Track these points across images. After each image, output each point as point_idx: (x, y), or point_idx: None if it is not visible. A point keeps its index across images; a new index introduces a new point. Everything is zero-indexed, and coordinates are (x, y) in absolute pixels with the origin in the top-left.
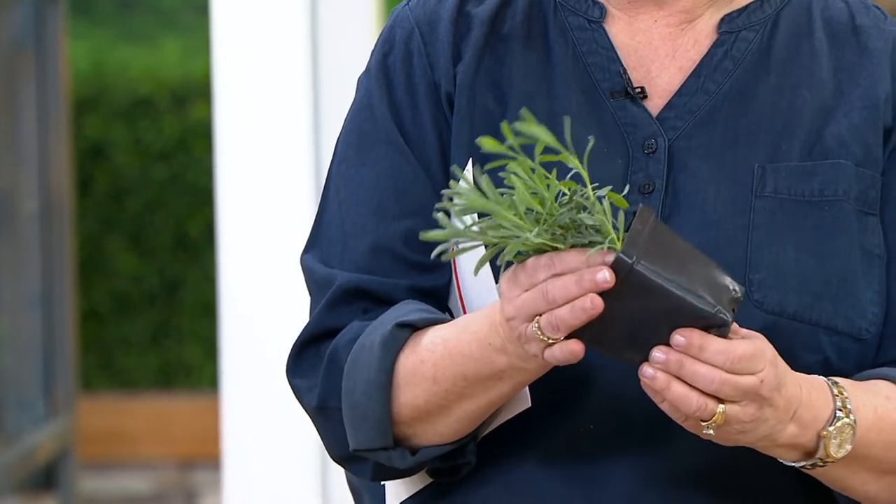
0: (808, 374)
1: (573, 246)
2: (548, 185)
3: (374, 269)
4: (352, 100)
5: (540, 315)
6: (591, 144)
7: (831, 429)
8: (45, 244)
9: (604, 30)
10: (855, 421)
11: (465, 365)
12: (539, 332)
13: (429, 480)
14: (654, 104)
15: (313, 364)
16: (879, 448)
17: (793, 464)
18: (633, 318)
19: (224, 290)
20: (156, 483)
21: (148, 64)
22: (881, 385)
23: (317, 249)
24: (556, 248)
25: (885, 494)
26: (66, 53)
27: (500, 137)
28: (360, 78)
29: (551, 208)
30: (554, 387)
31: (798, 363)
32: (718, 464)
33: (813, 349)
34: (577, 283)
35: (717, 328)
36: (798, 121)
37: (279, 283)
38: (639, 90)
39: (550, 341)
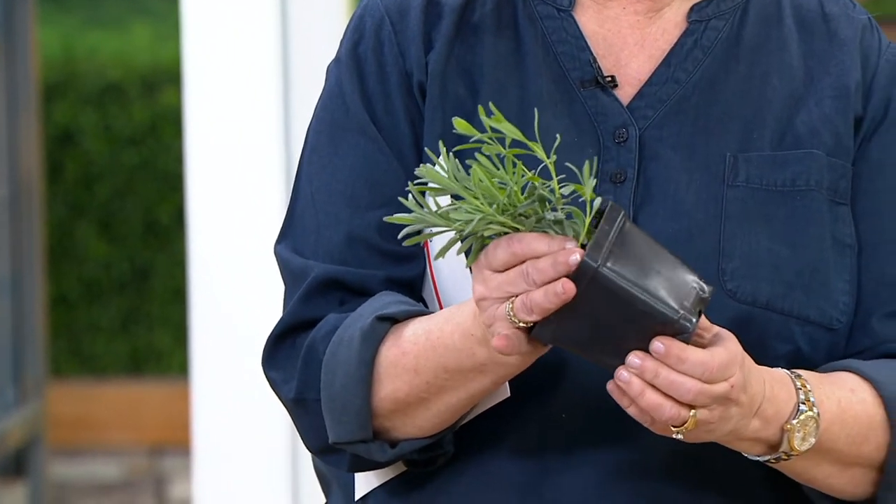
0: (780, 363)
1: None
2: (513, 174)
3: (348, 259)
4: (322, 87)
5: (514, 297)
6: (557, 142)
7: (795, 422)
8: (14, 230)
9: (573, 18)
10: (818, 414)
11: (447, 356)
12: (511, 315)
13: (399, 470)
14: (625, 93)
15: (289, 356)
16: (843, 441)
17: (757, 457)
18: (600, 319)
19: (194, 276)
20: (125, 469)
21: (118, 49)
22: (846, 377)
23: (290, 239)
24: (517, 231)
25: (848, 487)
26: (35, 39)
27: (472, 125)
28: (329, 66)
29: (514, 198)
30: (527, 377)
31: (769, 353)
32: (687, 454)
33: (785, 339)
34: (552, 266)
35: (680, 334)
36: (769, 109)
37: (249, 269)
38: (609, 79)
39: (521, 325)
